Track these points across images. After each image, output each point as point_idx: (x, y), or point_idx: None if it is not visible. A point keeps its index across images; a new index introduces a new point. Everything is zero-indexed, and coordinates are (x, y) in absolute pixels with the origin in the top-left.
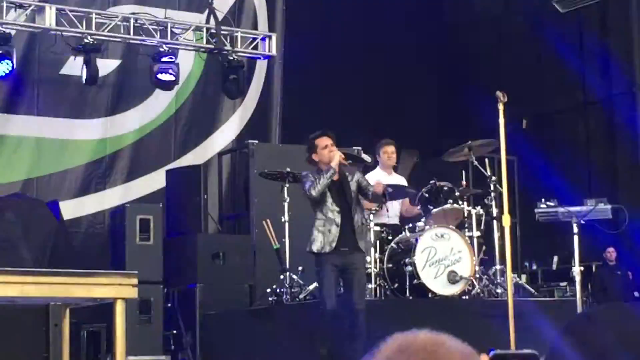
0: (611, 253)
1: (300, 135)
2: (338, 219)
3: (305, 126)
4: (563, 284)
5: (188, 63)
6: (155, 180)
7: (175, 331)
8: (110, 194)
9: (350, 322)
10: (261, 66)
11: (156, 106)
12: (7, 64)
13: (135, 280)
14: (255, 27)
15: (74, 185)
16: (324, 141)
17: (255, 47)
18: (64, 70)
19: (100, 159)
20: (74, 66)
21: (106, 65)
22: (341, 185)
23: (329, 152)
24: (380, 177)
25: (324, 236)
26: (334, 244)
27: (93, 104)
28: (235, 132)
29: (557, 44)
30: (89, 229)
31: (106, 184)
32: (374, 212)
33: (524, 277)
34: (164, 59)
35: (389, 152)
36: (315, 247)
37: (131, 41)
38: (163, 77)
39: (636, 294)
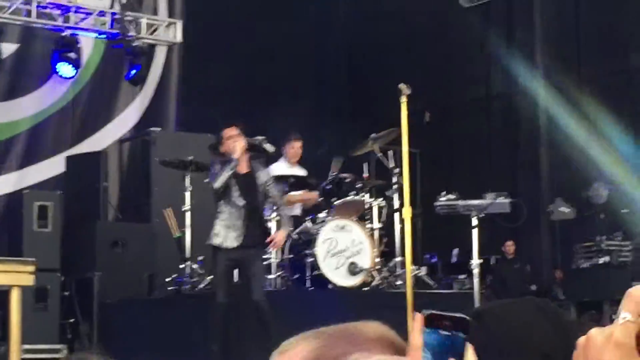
0: (510, 247)
1: (198, 123)
2: (243, 214)
3: (204, 114)
4: (462, 276)
5: (87, 49)
6: (51, 167)
7: (72, 320)
8: (3, 180)
9: (254, 313)
10: (160, 52)
11: (53, 92)
12: None
13: (32, 268)
14: (155, 13)
15: None
16: (230, 132)
17: (158, 34)
18: None
19: None
20: None
21: (3, 49)
22: (248, 179)
23: (233, 142)
24: (282, 169)
25: (227, 231)
26: (240, 240)
27: None
28: (134, 119)
29: (462, 38)
30: None
31: (0, 170)
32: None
33: (424, 269)
34: (66, 44)
35: (296, 147)
36: (216, 241)
37: (34, 24)
38: (64, 69)
39: (533, 287)
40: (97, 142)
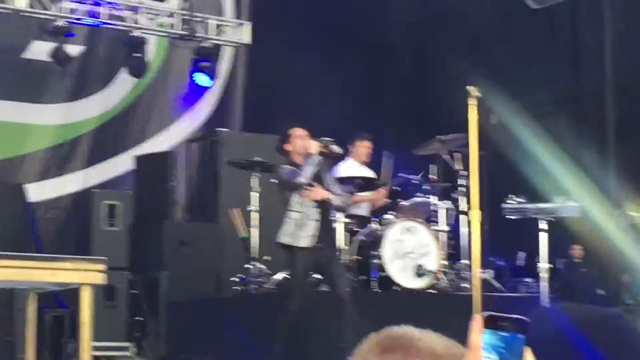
0: (577, 250)
1: (264, 124)
2: (315, 214)
3: (270, 115)
4: (529, 280)
5: (151, 49)
6: (116, 167)
7: (140, 318)
8: (69, 179)
9: (340, 312)
10: (227, 52)
11: (118, 92)
12: None
13: (102, 267)
14: (220, 14)
15: (33, 170)
16: (299, 131)
17: (226, 34)
18: (26, 55)
19: (60, 145)
20: (36, 51)
21: (69, 51)
22: (319, 178)
23: (304, 141)
24: (351, 168)
25: (299, 229)
26: (310, 239)
27: (55, 90)
28: (199, 120)
29: (527, 38)
30: (45, 214)
31: (65, 170)
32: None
33: (490, 272)
34: (136, 45)
35: (366, 146)
36: (285, 240)
37: (103, 26)
38: (135, 63)
39: (601, 291)
40: (161, 142)
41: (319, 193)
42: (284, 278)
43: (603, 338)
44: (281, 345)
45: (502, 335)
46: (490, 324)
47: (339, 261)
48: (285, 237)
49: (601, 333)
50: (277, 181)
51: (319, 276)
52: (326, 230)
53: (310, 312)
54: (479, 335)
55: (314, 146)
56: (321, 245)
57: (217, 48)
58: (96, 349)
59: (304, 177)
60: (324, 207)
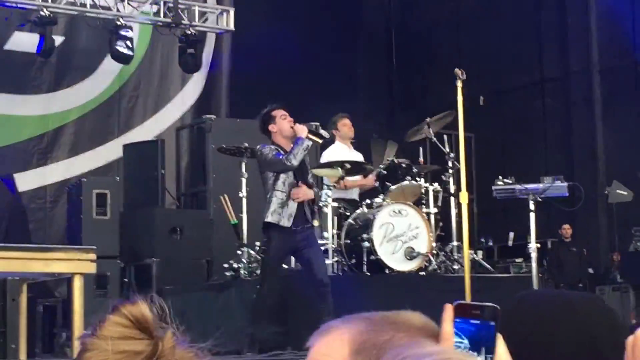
0: (567, 230)
1: (249, 110)
2: None
3: (254, 101)
4: (519, 260)
5: (134, 37)
6: (102, 156)
7: None
8: (53, 169)
9: (318, 296)
10: (210, 40)
11: (100, 82)
12: None
13: (93, 256)
14: (203, 0)
15: (16, 160)
16: (283, 112)
17: (210, 21)
18: (7, 46)
19: (42, 135)
20: (18, 42)
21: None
22: (303, 161)
23: (289, 122)
24: (341, 152)
25: (282, 209)
26: (291, 220)
27: (36, 81)
28: (185, 107)
29: (515, 21)
30: (29, 204)
31: (48, 160)
32: (332, 187)
33: (480, 253)
34: (122, 32)
35: (348, 124)
36: (273, 219)
37: (87, 14)
38: (122, 49)
39: (590, 270)
40: (147, 130)
41: (306, 194)
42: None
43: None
44: (258, 326)
45: (473, 323)
46: (461, 312)
47: (318, 246)
48: (272, 215)
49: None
50: (261, 160)
51: (294, 258)
52: (306, 212)
53: (288, 292)
54: (451, 324)
55: (302, 129)
56: (300, 228)
57: (201, 35)
58: None
59: (295, 160)
60: (307, 186)
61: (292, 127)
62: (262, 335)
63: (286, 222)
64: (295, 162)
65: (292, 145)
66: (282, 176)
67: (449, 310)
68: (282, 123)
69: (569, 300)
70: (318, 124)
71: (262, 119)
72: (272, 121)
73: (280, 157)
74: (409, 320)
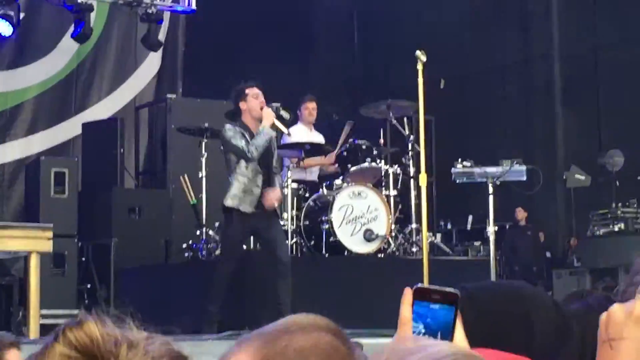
0: (520, 213)
1: (205, 90)
2: (259, 181)
3: (209, 80)
4: (477, 243)
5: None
6: (60, 134)
7: (89, 285)
8: (11, 147)
9: (278, 275)
10: (165, 17)
11: (58, 60)
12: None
13: (50, 234)
14: None
15: None
16: (257, 91)
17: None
18: None
19: (1, 113)
20: None
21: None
22: (268, 150)
23: (260, 103)
24: (301, 133)
25: (244, 195)
26: (254, 205)
27: None
28: (141, 86)
29: (477, 3)
30: None
31: (6, 137)
32: (291, 168)
33: (439, 236)
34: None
35: (310, 108)
36: (233, 203)
37: None
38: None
39: (548, 254)
40: (104, 109)
41: (277, 197)
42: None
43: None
44: (216, 305)
45: (431, 307)
46: (420, 296)
47: (280, 227)
48: (232, 200)
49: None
50: (224, 141)
51: (255, 239)
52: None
53: (247, 273)
54: (409, 307)
55: (269, 115)
56: (261, 211)
57: (160, 14)
58: (45, 316)
59: (256, 152)
60: (270, 171)
61: (260, 109)
62: (220, 315)
63: (247, 208)
64: (255, 155)
65: (258, 127)
66: (246, 162)
67: (407, 294)
68: (253, 103)
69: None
70: (279, 104)
71: (234, 93)
72: (243, 98)
73: (242, 145)
74: (298, 321)
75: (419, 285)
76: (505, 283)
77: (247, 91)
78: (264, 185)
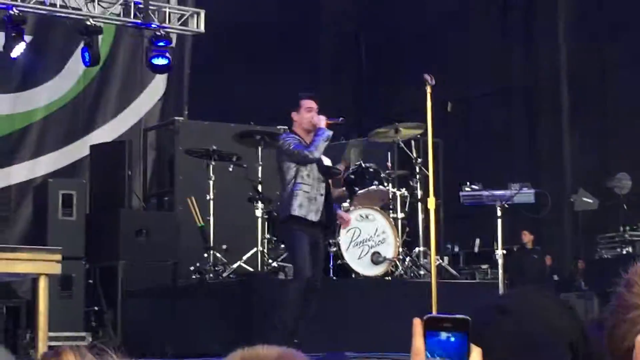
0: (525, 236)
1: (209, 111)
2: (323, 190)
3: (214, 103)
4: (484, 266)
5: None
6: (67, 156)
7: (96, 308)
8: (17, 169)
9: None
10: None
11: (65, 82)
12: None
13: (59, 257)
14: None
15: None
16: (310, 103)
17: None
18: None
19: (9, 135)
20: None
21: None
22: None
23: (312, 115)
24: None
25: (309, 203)
26: (318, 215)
27: (4, 80)
28: (147, 108)
29: (482, 25)
30: None
31: (14, 160)
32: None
33: (446, 259)
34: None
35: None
36: (301, 212)
37: (57, 14)
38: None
39: (555, 277)
40: (111, 131)
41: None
42: (239, 266)
43: None
44: (291, 324)
45: (443, 335)
46: (431, 326)
47: (324, 245)
48: (300, 209)
49: None
50: (282, 149)
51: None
52: (328, 207)
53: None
54: (421, 339)
55: (321, 120)
56: (323, 222)
57: (168, 36)
58: (52, 339)
59: (317, 152)
60: (328, 183)
61: (311, 122)
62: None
63: (313, 217)
64: (317, 155)
65: (310, 137)
66: (305, 168)
67: (418, 325)
68: (305, 115)
69: (544, 305)
70: (285, 127)
71: (291, 108)
72: (297, 109)
73: (301, 148)
74: (264, 355)
75: (429, 315)
76: (532, 292)
77: (301, 102)
78: (326, 194)
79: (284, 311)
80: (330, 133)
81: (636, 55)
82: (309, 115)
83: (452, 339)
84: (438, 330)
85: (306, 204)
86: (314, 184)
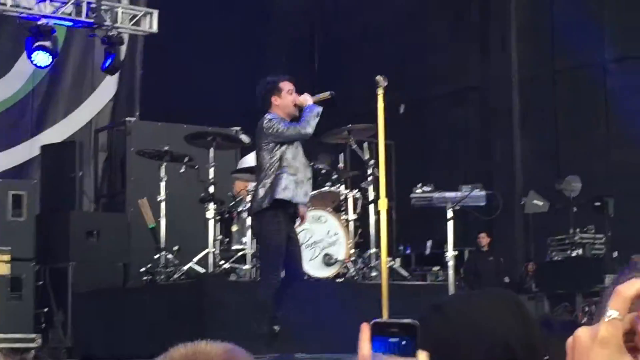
0: (483, 239)
1: (162, 112)
2: (310, 173)
3: (168, 104)
4: (436, 268)
5: None
6: (13, 156)
7: (46, 309)
8: None
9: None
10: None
11: (14, 82)
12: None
13: (7, 257)
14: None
15: None
16: (289, 85)
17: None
18: None
19: None
20: None
21: None
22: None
23: (294, 99)
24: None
25: (297, 186)
26: (307, 198)
27: None
28: (98, 108)
29: (437, 29)
30: None
31: None
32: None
33: (398, 260)
34: (41, 41)
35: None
36: (287, 195)
37: (8, 13)
38: (39, 57)
39: (506, 279)
40: (60, 131)
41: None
42: (190, 268)
43: None
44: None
45: (390, 341)
46: (378, 331)
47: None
48: (284, 192)
49: None
50: (271, 130)
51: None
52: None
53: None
54: (367, 344)
55: (306, 98)
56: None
57: (121, 37)
58: (1, 340)
59: (310, 128)
60: (314, 168)
61: (294, 105)
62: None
63: (301, 198)
64: (309, 130)
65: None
66: (290, 151)
67: (365, 331)
68: (287, 98)
69: (480, 305)
70: (239, 128)
71: (266, 87)
72: (277, 93)
73: (292, 125)
74: (207, 351)
75: (376, 320)
76: (478, 294)
77: (281, 85)
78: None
79: (258, 313)
80: (320, 109)
81: (586, 58)
82: (291, 97)
83: (399, 344)
84: (385, 336)
85: (292, 186)
86: (300, 167)
